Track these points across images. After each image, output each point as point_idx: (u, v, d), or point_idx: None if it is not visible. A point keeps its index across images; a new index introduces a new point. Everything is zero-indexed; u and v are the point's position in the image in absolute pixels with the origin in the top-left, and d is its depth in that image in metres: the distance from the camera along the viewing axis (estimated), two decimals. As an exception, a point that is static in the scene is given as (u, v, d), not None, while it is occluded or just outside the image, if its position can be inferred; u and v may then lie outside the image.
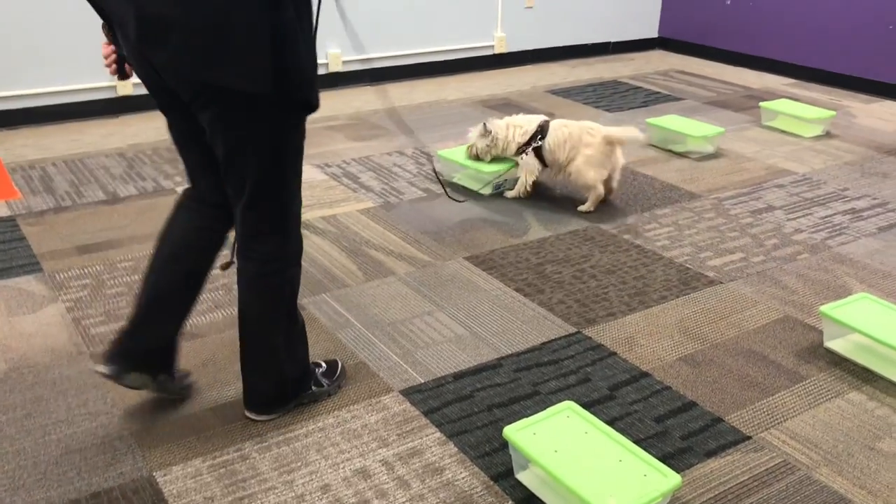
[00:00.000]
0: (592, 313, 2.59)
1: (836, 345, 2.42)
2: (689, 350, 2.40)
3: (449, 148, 3.79)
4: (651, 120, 4.21)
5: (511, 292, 2.71)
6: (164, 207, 3.26)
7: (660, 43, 6.49)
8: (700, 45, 6.20)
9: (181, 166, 3.70)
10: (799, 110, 4.42)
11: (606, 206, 3.41)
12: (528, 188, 3.47)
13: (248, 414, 2.09)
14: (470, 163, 3.53)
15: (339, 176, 3.72)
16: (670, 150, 4.12)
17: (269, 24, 1.64)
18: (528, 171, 3.43)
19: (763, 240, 3.14)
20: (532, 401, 2.14)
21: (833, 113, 4.43)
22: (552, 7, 5.88)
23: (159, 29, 1.65)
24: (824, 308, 2.40)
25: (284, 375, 2.05)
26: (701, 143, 4.05)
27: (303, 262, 2.05)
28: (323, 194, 3.51)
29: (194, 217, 2.00)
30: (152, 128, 4.32)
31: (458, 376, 2.25)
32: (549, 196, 3.53)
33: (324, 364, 2.20)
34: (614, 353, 2.37)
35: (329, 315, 2.55)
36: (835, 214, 3.38)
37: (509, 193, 3.52)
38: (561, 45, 6.02)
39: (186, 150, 1.94)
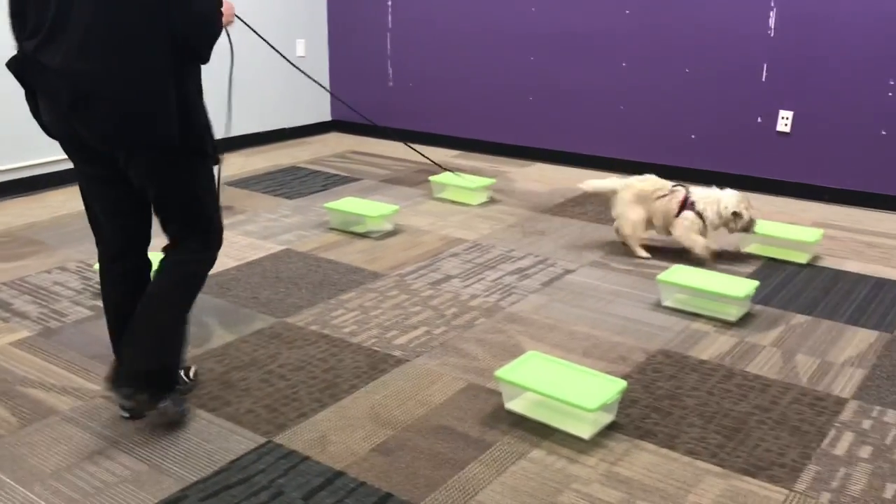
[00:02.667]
0: (283, 417, 2.49)
1: (515, 405, 2.55)
2: (381, 438, 2.39)
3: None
4: (329, 204, 4.26)
5: (195, 410, 2.53)
6: None
7: (334, 125, 6.68)
8: (371, 125, 6.47)
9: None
10: (463, 181, 4.75)
11: (293, 299, 3.36)
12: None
13: (112, 388, 2.31)
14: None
15: (-14, 306, 3.28)
16: (352, 232, 4.20)
17: (175, 95, 2.14)
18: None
19: (443, 310, 3.27)
20: (222, 530, 1.98)
21: (493, 180, 4.82)
22: (223, 97, 5.79)
23: (90, 101, 2.09)
24: (499, 372, 2.53)
25: (167, 362, 2.35)
26: (379, 222, 4.17)
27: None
28: (-34, 330, 3.06)
29: (120, 279, 2.44)
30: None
31: (137, 520, 2.03)
32: (232, 294, 3.39)
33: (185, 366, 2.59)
34: (307, 458, 2.29)
35: (-25, 478, 2.19)
36: (504, 276, 3.64)
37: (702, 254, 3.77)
38: (233, 134, 5.94)
39: (100, 195, 2.34)
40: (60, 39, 2.07)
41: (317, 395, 2.62)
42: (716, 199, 3.72)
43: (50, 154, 4.88)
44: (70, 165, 4.94)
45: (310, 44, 6.37)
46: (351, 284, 3.52)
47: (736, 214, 3.69)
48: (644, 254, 3.87)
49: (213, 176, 2.38)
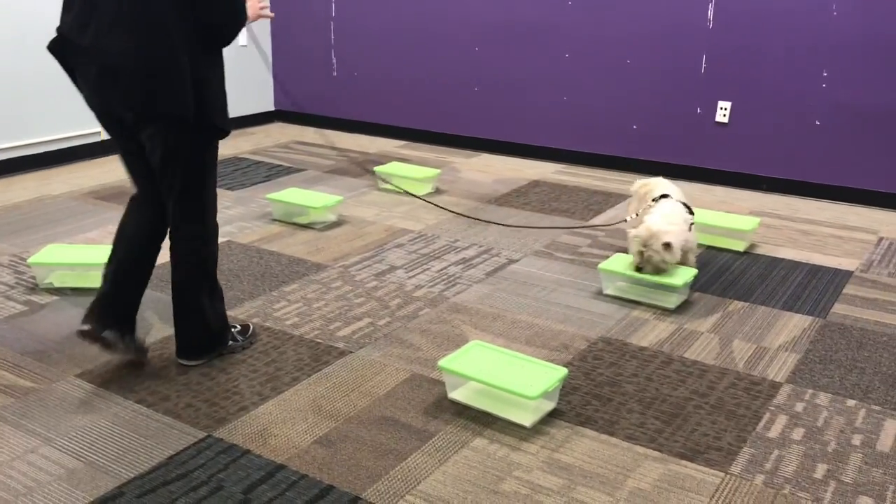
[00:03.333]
0: (223, 411, 2.46)
1: (458, 394, 2.56)
2: (323, 430, 2.37)
3: (60, 244, 3.41)
4: (271, 195, 4.21)
5: (132, 405, 2.48)
6: None
7: (277, 115, 6.60)
8: (316, 115, 6.41)
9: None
10: (409, 171, 4.74)
11: (234, 291, 3.31)
12: None
13: (180, 361, 2.73)
14: None
15: (-88, 302, 3.16)
16: (294, 223, 4.15)
17: (190, 70, 2.35)
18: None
19: (387, 301, 3.26)
20: (159, 527, 1.95)
21: (439, 171, 4.82)
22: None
23: (113, 74, 2.35)
24: (442, 362, 2.53)
25: (210, 327, 2.70)
26: (322, 213, 4.14)
27: None
28: None
29: (140, 216, 2.67)
30: None
31: (71, 519, 1.98)
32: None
33: (238, 325, 2.87)
34: (248, 451, 2.26)
35: None
36: (449, 266, 3.64)
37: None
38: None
39: (131, 165, 2.62)
40: (93, 21, 2.34)
41: (258, 389, 2.59)
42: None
43: (-20, 144, 4.73)
44: (1, 156, 4.83)
45: (252, 33, 6.27)
46: (294, 276, 3.49)
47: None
48: None
49: (215, 159, 2.58)
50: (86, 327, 2.57)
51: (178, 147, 2.47)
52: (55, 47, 2.43)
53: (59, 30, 2.42)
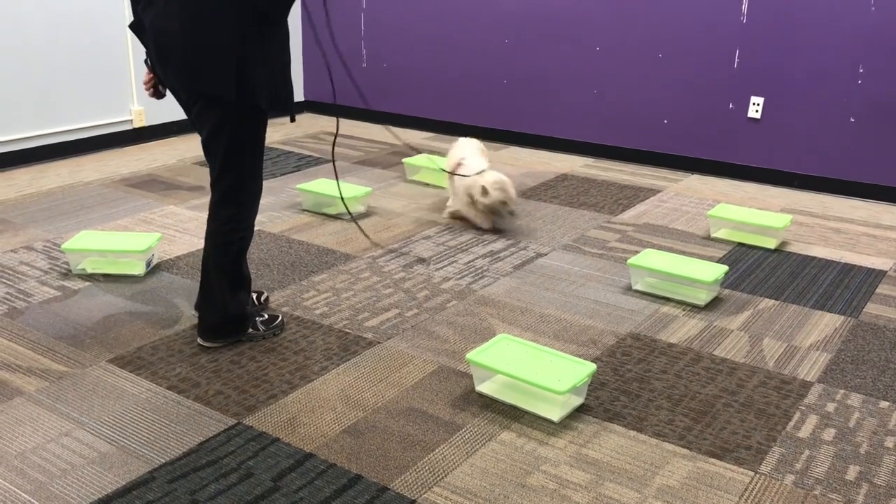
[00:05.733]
0: (253, 399, 2.48)
1: (485, 388, 2.56)
2: (351, 420, 2.39)
3: (94, 231, 3.46)
4: (301, 185, 4.23)
5: (164, 392, 2.51)
6: None
7: (308, 106, 6.62)
8: (345, 105, 6.42)
9: None
10: (438, 163, 4.73)
11: (264, 280, 3.33)
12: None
13: (199, 341, 2.77)
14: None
15: (-50, 285, 3.22)
16: (324, 214, 4.17)
17: (234, 52, 2.44)
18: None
19: (415, 293, 3.27)
20: (190, 512, 1.98)
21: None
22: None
23: (165, 53, 2.50)
24: (470, 355, 2.53)
25: (228, 312, 2.74)
26: (352, 204, 4.15)
27: None
28: (-71, 310, 3.00)
29: (209, 209, 2.72)
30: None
31: (104, 502, 2.01)
32: (201, 277, 3.36)
33: (265, 315, 2.87)
34: (277, 439, 2.28)
35: (-63, 460, 2.15)
36: (476, 259, 3.64)
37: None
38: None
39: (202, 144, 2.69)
40: (155, 4, 2.49)
41: (287, 377, 2.61)
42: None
43: (15, 132, 4.79)
44: (33, 144, 4.89)
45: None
46: (323, 266, 3.51)
47: (484, 191, 3.82)
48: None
49: (257, 142, 2.63)
50: (194, 312, 2.88)
51: (221, 126, 2.54)
52: (133, 27, 2.62)
53: (134, 9, 2.60)
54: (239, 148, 2.59)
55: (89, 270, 3.37)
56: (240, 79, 2.46)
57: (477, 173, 3.89)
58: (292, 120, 2.74)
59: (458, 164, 4.03)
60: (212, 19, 2.42)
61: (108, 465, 2.15)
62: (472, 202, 3.86)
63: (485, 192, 3.80)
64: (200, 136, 2.65)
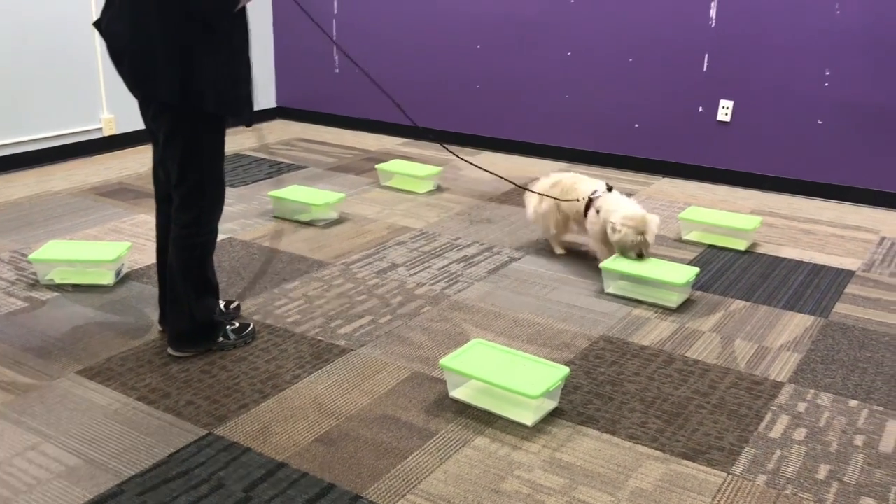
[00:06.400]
0: (224, 409, 2.45)
1: (459, 393, 2.56)
2: (324, 428, 2.37)
3: (60, 241, 3.41)
4: (273, 192, 4.20)
5: (133, 403, 2.48)
6: None
7: (279, 112, 6.59)
8: (318, 112, 6.40)
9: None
10: (411, 169, 4.73)
11: (235, 288, 3.30)
12: None
13: (169, 351, 2.74)
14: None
15: (-87, 298, 3.16)
16: (297, 221, 4.15)
17: (177, 57, 2.40)
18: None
19: (389, 299, 3.25)
20: (160, 525, 1.95)
21: (440, 168, 4.81)
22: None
23: (118, 56, 2.50)
24: (443, 361, 2.53)
25: (195, 317, 2.69)
26: (324, 211, 4.13)
27: None
28: None
29: (160, 220, 2.77)
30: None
31: (72, 517, 1.98)
32: (172, 286, 3.32)
33: (236, 323, 2.85)
34: (249, 449, 2.26)
35: None
36: (450, 264, 3.63)
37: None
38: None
39: (154, 153, 2.70)
40: (111, 8, 2.51)
41: (259, 386, 2.58)
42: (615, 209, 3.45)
43: (-19, 140, 4.72)
44: (0, 153, 4.81)
45: (254, 30, 6.25)
46: (296, 273, 3.48)
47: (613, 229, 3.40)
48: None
49: (216, 146, 2.60)
50: (160, 328, 2.87)
51: (174, 131, 2.53)
52: (95, 24, 2.60)
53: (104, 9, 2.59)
54: (195, 152, 2.56)
55: (57, 281, 3.32)
56: (185, 84, 2.43)
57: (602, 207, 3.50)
58: (248, 125, 2.67)
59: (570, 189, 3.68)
60: (155, 25, 2.40)
61: (76, 479, 2.12)
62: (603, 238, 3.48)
63: (614, 230, 3.37)
64: (157, 141, 2.61)
